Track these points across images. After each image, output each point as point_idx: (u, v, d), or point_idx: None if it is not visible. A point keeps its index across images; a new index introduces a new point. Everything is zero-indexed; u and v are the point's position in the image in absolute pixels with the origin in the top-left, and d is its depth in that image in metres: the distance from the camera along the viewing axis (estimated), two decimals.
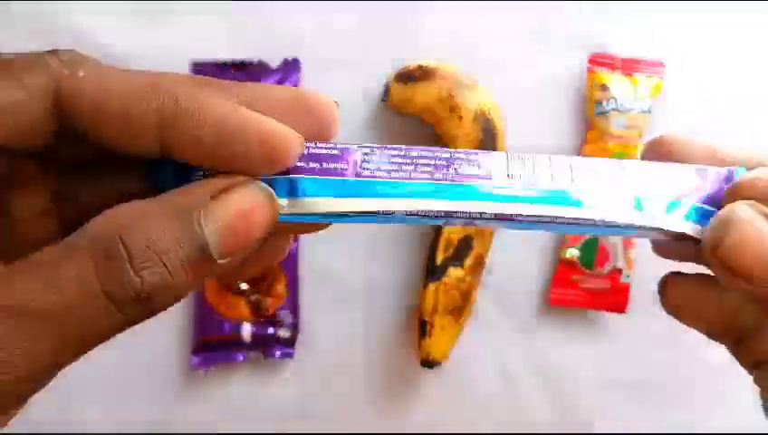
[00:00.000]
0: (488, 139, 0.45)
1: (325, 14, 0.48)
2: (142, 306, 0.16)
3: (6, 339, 0.15)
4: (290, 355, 0.48)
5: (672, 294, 0.23)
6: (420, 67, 0.46)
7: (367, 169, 0.20)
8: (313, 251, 0.48)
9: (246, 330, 0.47)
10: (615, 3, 0.49)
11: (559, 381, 0.50)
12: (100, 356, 0.49)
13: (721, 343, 0.23)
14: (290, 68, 0.47)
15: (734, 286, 0.19)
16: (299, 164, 0.20)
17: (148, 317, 0.17)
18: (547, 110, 0.49)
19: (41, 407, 0.47)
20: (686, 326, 0.24)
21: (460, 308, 0.46)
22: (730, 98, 0.50)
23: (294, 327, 0.48)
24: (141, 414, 0.48)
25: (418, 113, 0.46)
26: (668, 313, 0.23)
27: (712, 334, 0.23)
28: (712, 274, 0.21)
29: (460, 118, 0.45)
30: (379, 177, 0.20)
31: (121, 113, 0.17)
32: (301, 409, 0.49)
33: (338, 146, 0.20)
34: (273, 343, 0.48)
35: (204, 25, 0.47)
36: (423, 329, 0.46)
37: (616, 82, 0.48)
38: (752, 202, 0.19)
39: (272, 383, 0.49)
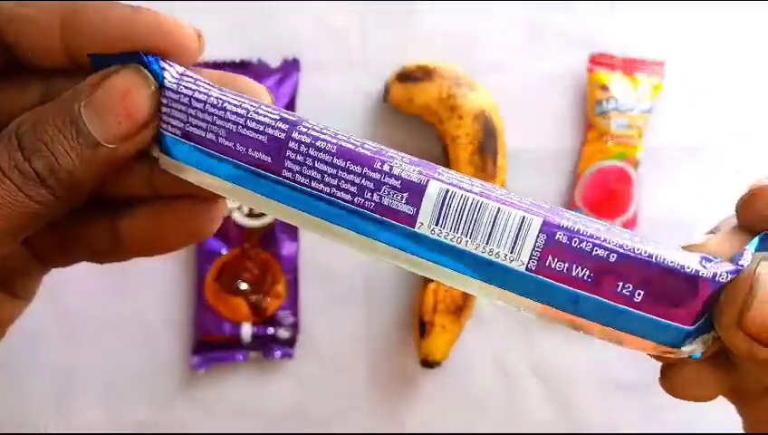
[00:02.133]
0: (488, 138, 0.45)
1: (325, 14, 0.48)
2: (41, 187, 0.18)
3: None
4: (290, 355, 0.48)
5: (675, 377, 0.21)
6: (420, 67, 0.46)
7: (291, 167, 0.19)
8: (313, 251, 0.48)
9: (246, 330, 0.47)
10: (615, 3, 0.49)
11: (559, 381, 0.50)
12: (100, 356, 0.50)
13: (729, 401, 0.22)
14: (290, 68, 0.47)
15: (756, 360, 0.17)
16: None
17: (55, 201, 0.19)
18: (547, 110, 0.49)
19: (41, 407, 0.47)
20: None
21: (460, 308, 0.46)
22: (730, 98, 0.50)
23: (294, 327, 0.48)
24: (141, 414, 0.48)
25: (418, 113, 0.46)
26: (672, 395, 0.21)
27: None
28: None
29: (460, 118, 0.45)
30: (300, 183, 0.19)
31: (26, 18, 0.19)
32: (301, 409, 0.49)
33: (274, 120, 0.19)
34: (273, 343, 0.48)
35: (204, 25, 0.47)
36: (423, 329, 0.46)
37: (616, 82, 0.48)
38: None
39: (272, 383, 0.49)
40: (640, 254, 0.17)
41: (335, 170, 0.18)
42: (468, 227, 0.17)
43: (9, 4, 0.19)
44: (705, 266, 0.17)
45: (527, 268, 0.17)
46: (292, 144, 0.19)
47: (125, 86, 0.19)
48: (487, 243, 0.17)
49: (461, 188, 0.17)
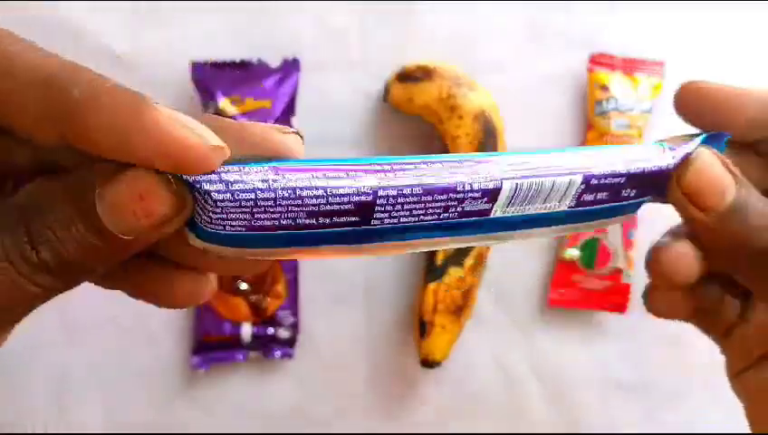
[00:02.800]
0: (488, 138, 0.45)
1: (325, 14, 0.48)
2: (52, 277, 0.18)
3: None
4: (290, 355, 0.48)
5: (654, 303, 0.27)
6: (420, 67, 0.46)
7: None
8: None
9: (246, 330, 0.47)
10: (615, 3, 0.49)
11: (558, 381, 0.50)
12: (100, 356, 0.50)
13: (690, 323, 0.27)
14: (290, 68, 0.47)
15: (692, 217, 0.23)
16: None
17: (65, 288, 0.18)
18: (547, 110, 0.49)
19: (41, 407, 0.47)
20: (684, 326, 0.27)
21: (460, 308, 0.46)
22: None
23: (294, 327, 0.48)
24: (141, 414, 0.48)
25: (418, 113, 0.46)
26: (654, 316, 0.27)
27: (698, 328, 0.27)
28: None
29: (460, 118, 0.45)
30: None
31: (21, 108, 0.17)
32: (301, 409, 0.49)
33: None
34: (273, 343, 0.48)
35: (204, 25, 0.47)
36: (423, 329, 0.46)
37: (616, 82, 0.48)
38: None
39: (272, 383, 0.49)
40: (636, 170, 0.23)
41: (422, 205, 0.20)
42: (530, 199, 0.21)
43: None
44: (673, 157, 0.23)
45: (568, 207, 0.22)
46: (379, 201, 0.19)
47: (140, 186, 0.17)
48: (544, 202, 0.22)
49: (524, 177, 0.21)
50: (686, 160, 0.23)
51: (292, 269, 0.48)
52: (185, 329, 0.48)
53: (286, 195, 0.18)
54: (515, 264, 0.49)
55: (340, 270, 0.49)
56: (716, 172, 0.23)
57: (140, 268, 0.22)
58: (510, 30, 0.49)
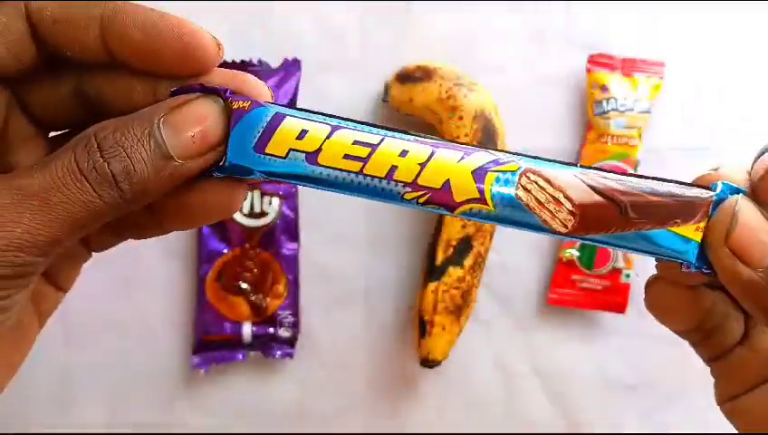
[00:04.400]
0: (488, 139, 0.45)
1: (325, 14, 0.48)
2: (113, 189, 0.20)
3: (5, 210, 0.19)
4: (290, 355, 0.48)
5: (654, 295, 0.25)
6: (420, 67, 0.46)
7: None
8: (313, 251, 0.48)
9: (246, 330, 0.47)
10: (615, 3, 0.49)
11: (558, 380, 0.50)
12: (100, 356, 0.50)
13: (688, 339, 0.27)
14: (290, 68, 0.47)
15: (736, 274, 0.21)
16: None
17: (122, 204, 0.20)
18: (547, 110, 0.49)
19: (42, 407, 0.47)
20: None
21: (460, 308, 0.46)
22: (730, 98, 0.50)
23: (294, 327, 0.48)
24: (141, 414, 0.48)
25: (418, 113, 0.46)
26: (651, 313, 0.26)
27: (682, 332, 0.26)
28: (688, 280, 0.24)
29: (460, 118, 0.45)
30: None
31: (69, 20, 0.21)
32: (301, 409, 0.49)
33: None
34: (273, 343, 0.48)
35: (204, 25, 0.47)
36: (423, 329, 0.46)
37: (616, 83, 0.48)
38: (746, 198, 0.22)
39: (272, 383, 0.49)
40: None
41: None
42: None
43: (53, 5, 0.21)
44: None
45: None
46: None
47: (204, 111, 0.21)
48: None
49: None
50: (726, 205, 0.21)
51: (293, 269, 0.48)
52: (185, 329, 0.48)
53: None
54: (515, 264, 0.49)
55: (340, 270, 0.49)
56: (763, 225, 0.21)
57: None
58: (510, 30, 0.49)
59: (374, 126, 0.21)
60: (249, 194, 0.47)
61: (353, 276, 0.49)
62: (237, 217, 0.47)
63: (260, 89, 0.22)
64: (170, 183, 0.21)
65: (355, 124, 0.21)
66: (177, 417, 0.48)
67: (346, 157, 0.21)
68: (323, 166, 0.21)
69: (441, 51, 0.48)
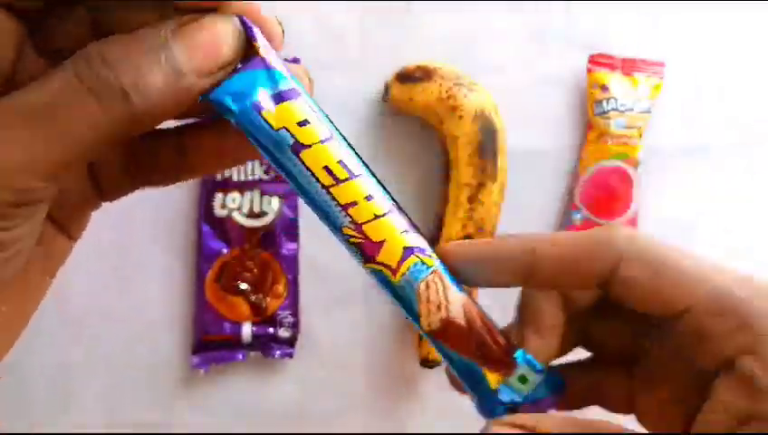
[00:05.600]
0: (488, 139, 0.45)
1: (325, 14, 0.48)
2: (121, 104, 0.18)
3: (3, 130, 0.17)
4: (290, 355, 0.48)
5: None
6: (420, 67, 0.46)
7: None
8: (313, 251, 0.48)
9: (246, 330, 0.47)
10: (615, 3, 0.49)
11: None
12: (100, 356, 0.49)
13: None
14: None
15: None
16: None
17: (131, 122, 0.18)
18: (547, 110, 0.49)
19: (41, 407, 0.47)
20: None
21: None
22: (730, 98, 0.50)
23: (294, 327, 0.48)
24: (141, 414, 0.48)
25: (418, 113, 0.46)
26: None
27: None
28: None
29: (460, 118, 0.45)
30: None
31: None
32: (301, 409, 0.49)
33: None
34: (273, 343, 0.48)
35: None
36: None
37: (616, 82, 0.48)
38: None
39: (272, 383, 0.49)
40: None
41: None
42: None
43: None
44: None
45: None
46: None
47: (217, 28, 0.19)
48: None
49: None
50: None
51: (293, 269, 0.48)
52: (184, 329, 0.48)
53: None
54: None
55: (340, 270, 0.49)
56: None
57: (189, 133, 0.23)
58: (510, 30, 0.49)
59: (360, 157, 0.22)
60: (249, 194, 0.47)
61: (353, 276, 0.49)
62: (237, 216, 0.47)
63: (274, 28, 0.21)
64: (180, 101, 0.19)
65: (347, 145, 0.21)
66: (177, 417, 0.48)
67: (325, 168, 0.21)
68: (301, 161, 0.21)
69: (441, 51, 0.48)
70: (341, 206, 0.21)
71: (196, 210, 0.48)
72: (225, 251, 0.47)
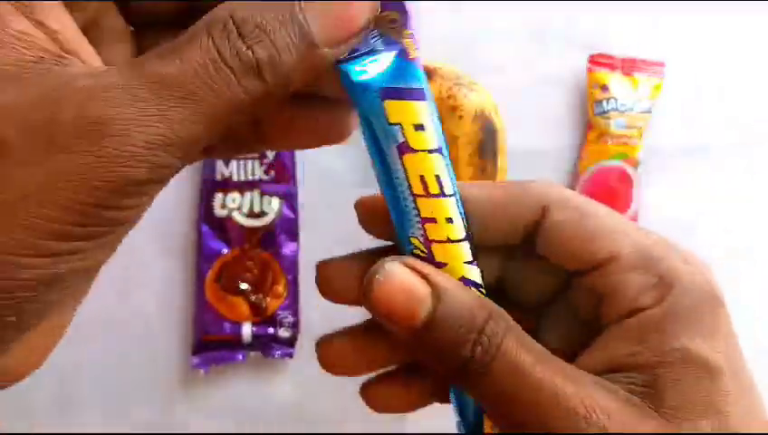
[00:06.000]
0: (488, 139, 0.45)
1: None
2: (256, 78, 0.17)
3: (145, 103, 0.16)
4: (290, 355, 0.48)
5: (325, 353, 0.26)
6: None
7: None
8: (313, 251, 0.48)
9: (246, 330, 0.47)
10: (615, 3, 0.49)
11: None
12: (100, 356, 0.49)
13: None
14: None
15: (392, 330, 0.21)
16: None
17: (264, 95, 0.18)
18: (547, 110, 0.49)
19: (41, 407, 0.47)
20: None
21: None
22: (730, 98, 0.50)
23: (294, 327, 0.48)
24: (141, 414, 0.48)
25: None
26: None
27: None
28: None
29: (460, 118, 0.45)
30: None
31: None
32: (301, 409, 0.49)
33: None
34: (273, 343, 0.48)
35: None
36: None
37: (616, 82, 0.48)
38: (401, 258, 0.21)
39: (272, 383, 0.49)
40: None
41: None
42: None
43: None
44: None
45: None
46: None
47: None
48: None
49: None
50: (368, 278, 0.21)
51: (293, 269, 0.48)
52: (184, 329, 0.48)
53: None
54: None
55: None
56: (404, 290, 0.20)
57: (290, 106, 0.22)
58: (510, 30, 0.49)
59: (454, 180, 0.21)
60: (249, 194, 0.47)
61: None
62: (237, 216, 0.47)
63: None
64: (312, 73, 0.18)
65: (448, 163, 0.21)
66: (177, 417, 0.48)
67: (421, 177, 0.20)
68: (402, 162, 0.20)
69: (441, 51, 0.48)
70: (421, 218, 0.21)
71: (196, 210, 0.48)
72: (225, 251, 0.47)
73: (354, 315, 0.52)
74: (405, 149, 0.20)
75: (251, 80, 0.17)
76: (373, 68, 0.20)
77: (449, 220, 0.21)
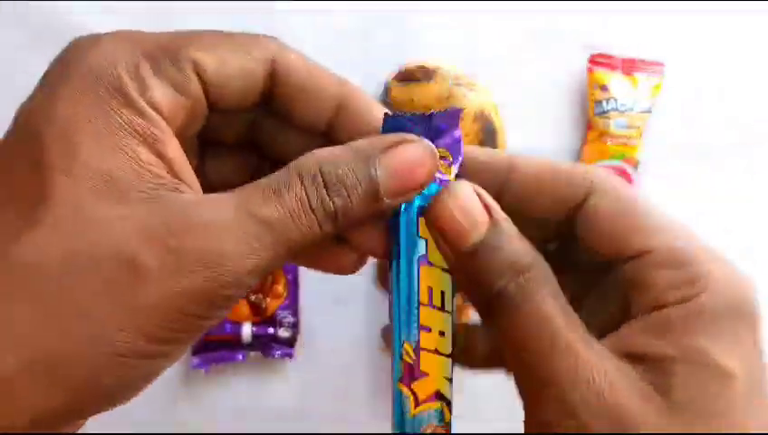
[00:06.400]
0: (488, 139, 0.45)
1: (325, 14, 0.48)
2: (332, 224, 0.20)
3: (249, 238, 0.19)
4: (290, 355, 0.48)
5: None
6: (420, 67, 0.46)
7: None
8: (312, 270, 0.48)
9: (246, 330, 0.47)
10: (615, 3, 0.49)
11: None
12: None
13: None
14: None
15: (441, 249, 0.22)
16: None
17: (332, 236, 0.21)
18: (547, 110, 0.49)
19: None
20: None
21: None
22: (730, 98, 0.50)
23: (294, 327, 0.48)
24: (141, 414, 0.48)
25: None
26: None
27: None
28: None
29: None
30: None
31: (306, 90, 0.24)
32: (301, 409, 0.49)
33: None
34: (273, 343, 0.48)
35: (205, 25, 0.47)
36: None
37: (616, 82, 0.48)
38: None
39: (272, 383, 0.49)
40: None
41: None
42: None
43: (213, 63, 0.21)
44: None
45: None
46: None
47: (419, 157, 0.21)
48: None
49: None
50: (437, 195, 0.22)
51: (293, 269, 0.48)
52: None
53: None
54: None
55: None
56: (464, 210, 0.21)
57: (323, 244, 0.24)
58: (510, 30, 0.49)
59: (454, 298, 0.23)
60: None
61: (353, 276, 0.48)
62: None
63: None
64: (369, 218, 0.21)
65: (453, 285, 0.23)
66: (178, 417, 0.48)
67: (429, 289, 0.23)
68: (418, 271, 0.22)
69: (441, 51, 0.48)
70: (419, 324, 0.23)
71: None
72: None
73: (354, 315, 0.52)
74: (424, 261, 0.22)
75: (329, 224, 0.20)
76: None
77: (442, 334, 0.23)
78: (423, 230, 0.22)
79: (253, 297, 0.47)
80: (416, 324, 0.23)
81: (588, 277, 0.24)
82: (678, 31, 0.50)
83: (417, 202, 0.22)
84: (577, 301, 0.24)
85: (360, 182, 0.20)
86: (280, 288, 0.48)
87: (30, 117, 0.19)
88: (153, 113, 0.20)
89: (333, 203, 0.20)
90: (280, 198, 0.20)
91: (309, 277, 0.49)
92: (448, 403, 0.24)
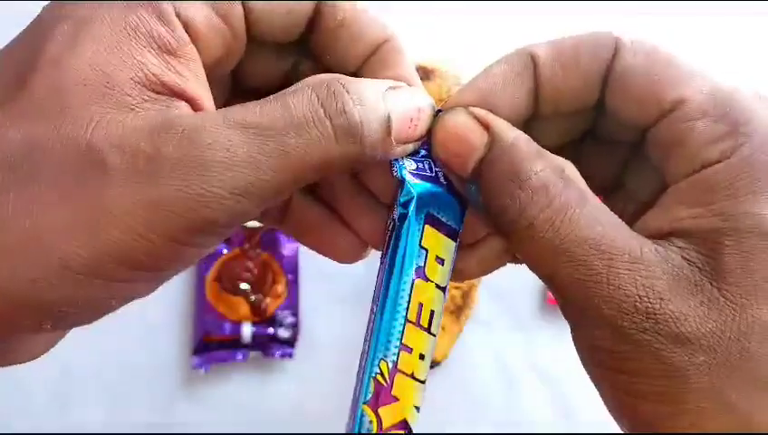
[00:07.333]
0: None
1: None
2: (350, 142, 0.17)
3: (238, 148, 0.16)
4: (290, 355, 0.48)
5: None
6: (420, 67, 0.46)
7: None
8: (313, 251, 0.48)
9: (246, 330, 0.47)
10: (614, 3, 0.49)
11: (559, 380, 0.50)
12: (100, 356, 0.49)
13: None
14: None
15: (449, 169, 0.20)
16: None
17: (349, 161, 0.18)
18: None
19: (41, 407, 0.47)
20: None
21: (460, 308, 0.46)
22: None
23: (294, 327, 0.48)
24: (141, 414, 0.48)
25: None
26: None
27: None
28: None
29: None
30: None
31: (349, 27, 0.22)
32: (301, 409, 0.49)
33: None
34: (273, 343, 0.48)
35: None
36: None
37: None
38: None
39: (272, 383, 0.49)
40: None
41: None
42: None
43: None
44: None
45: None
46: None
47: (422, 103, 0.20)
48: None
49: None
50: (435, 121, 0.21)
51: (293, 269, 0.48)
52: (185, 329, 0.48)
53: None
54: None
55: (340, 270, 0.48)
56: (460, 128, 0.20)
57: (318, 217, 0.23)
58: (510, 30, 0.49)
59: (439, 321, 0.22)
60: None
61: (353, 276, 0.49)
62: None
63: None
64: (376, 155, 0.19)
65: (443, 306, 0.22)
66: (177, 417, 0.48)
67: (419, 305, 0.21)
68: (411, 285, 0.21)
69: (441, 51, 0.48)
70: (401, 343, 0.21)
71: None
72: (225, 251, 0.47)
73: (354, 316, 0.52)
74: (421, 274, 0.21)
75: (346, 141, 0.17)
76: (429, 190, 0.21)
77: (422, 357, 0.21)
78: (426, 240, 0.21)
79: (253, 297, 0.47)
80: (398, 342, 0.21)
81: (624, 155, 0.22)
82: (678, 31, 0.49)
83: (427, 209, 0.21)
84: (615, 181, 0.22)
85: (377, 104, 0.18)
86: (280, 288, 0.48)
87: (52, 10, 0.18)
88: (178, 25, 0.18)
89: (359, 113, 0.17)
90: (283, 101, 0.17)
91: (309, 277, 0.49)
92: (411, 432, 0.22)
